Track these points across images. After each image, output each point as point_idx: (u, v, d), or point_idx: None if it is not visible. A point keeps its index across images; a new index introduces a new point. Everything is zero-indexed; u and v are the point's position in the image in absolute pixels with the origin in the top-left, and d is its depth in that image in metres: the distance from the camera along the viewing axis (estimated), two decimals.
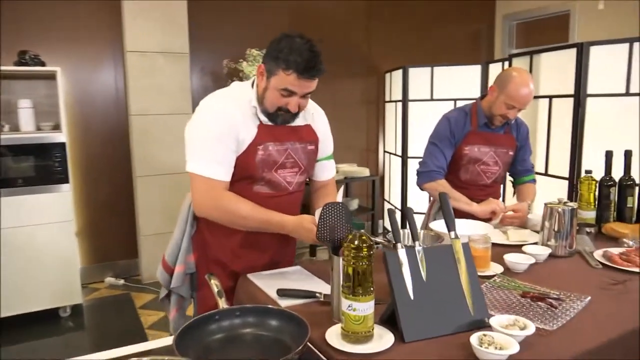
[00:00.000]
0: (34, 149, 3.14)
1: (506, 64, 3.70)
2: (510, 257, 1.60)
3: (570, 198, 3.04)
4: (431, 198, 2.42)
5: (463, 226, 1.88)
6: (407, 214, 1.28)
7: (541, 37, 5.19)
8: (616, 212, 2.04)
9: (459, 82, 4.26)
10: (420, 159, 2.31)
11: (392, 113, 4.82)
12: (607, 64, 2.91)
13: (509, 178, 2.52)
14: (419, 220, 2.40)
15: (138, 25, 3.68)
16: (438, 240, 1.70)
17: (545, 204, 1.79)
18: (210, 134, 1.51)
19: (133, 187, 3.91)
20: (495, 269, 1.57)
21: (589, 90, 2.97)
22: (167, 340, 1.13)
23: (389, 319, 1.15)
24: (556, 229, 1.73)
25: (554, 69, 3.17)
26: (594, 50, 2.93)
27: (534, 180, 2.42)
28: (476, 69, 4.21)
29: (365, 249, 1.03)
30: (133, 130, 3.78)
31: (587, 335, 1.14)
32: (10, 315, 3.15)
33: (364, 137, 5.15)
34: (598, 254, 1.72)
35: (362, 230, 1.07)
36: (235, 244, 1.66)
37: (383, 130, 5.16)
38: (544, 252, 1.68)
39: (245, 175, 1.59)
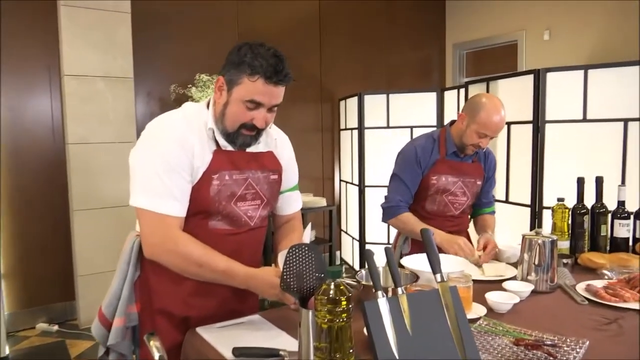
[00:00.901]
0: None
1: (462, 91, 3.68)
2: (493, 297, 1.46)
3: (533, 226, 2.99)
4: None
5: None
6: (387, 252, 1.11)
7: (491, 66, 5.29)
8: (590, 241, 1.95)
9: (415, 109, 4.22)
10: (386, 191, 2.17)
11: (347, 141, 4.71)
12: (564, 91, 2.91)
13: None
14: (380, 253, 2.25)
15: (77, 47, 3.41)
16: (414, 280, 1.54)
17: (524, 236, 1.67)
18: (162, 162, 1.30)
19: (70, 223, 3.56)
20: (478, 310, 1.42)
21: (548, 117, 2.95)
22: None
23: None
24: (536, 262, 1.60)
25: (511, 96, 3.16)
26: (550, 77, 2.93)
27: (493, 212, 2.33)
28: (431, 96, 4.18)
29: (344, 302, 0.84)
30: (70, 160, 3.45)
31: None
32: None
33: (319, 166, 5.00)
34: (581, 287, 1.61)
35: (341, 279, 0.89)
36: (187, 291, 1.42)
37: (339, 158, 5.04)
38: (526, 288, 1.55)
39: (199, 210, 1.38)
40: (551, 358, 1.10)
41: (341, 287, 0.86)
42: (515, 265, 1.84)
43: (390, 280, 1.57)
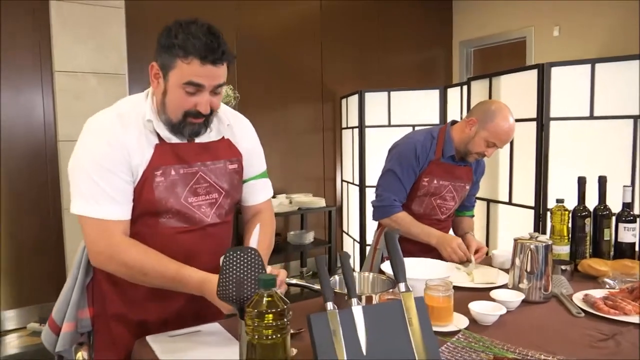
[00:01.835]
0: None
1: (465, 88, 3.53)
2: (476, 307, 1.32)
3: (537, 229, 2.83)
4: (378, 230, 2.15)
5: (418, 267, 1.60)
6: (342, 259, 0.98)
7: (498, 63, 5.11)
8: (592, 246, 1.80)
9: (417, 107, 4.07)
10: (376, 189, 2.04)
11: (349, 140, 4.58)
12: (569, 87, 2.75)
13: None
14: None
15: (68, 43, 3.33)
16: (391, 288, 1.41)
17: (515, 240, 1.52)
18: (93, 164, 1.20)
19: (62, 221, 3.48)
20: (459, 322, 1.28)
21: (552, 114, 2.80)
22: None
23: None
24: (528, 269, 1.46)
25: (515, 93, 3.00)
26: (555, 72, 2.77)
27: (472, 216, 2.22)
28: (434, 94, 4.04)
29: (272, 317, 0.72)
30: (62, 157, 3.37)
31: None
32: None
33: (320, 166, 4.88)
34: (578, 297, 1.46)
35: (275, 289, 0.76)
36: (142, 294, 1.31)
37: (340, 158, 4.91)
38: (516, 298, 1.41)
39: (146, 210, 1.26)
40: None
41: (272, 300, 0.74)
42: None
43: (370, 285, 1.46)
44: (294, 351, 1.06)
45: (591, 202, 1.80)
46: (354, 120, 4.38)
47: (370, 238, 4.27)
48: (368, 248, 4.28)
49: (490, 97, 3.18)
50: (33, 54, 3.47)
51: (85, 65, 3.39)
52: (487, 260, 1.92)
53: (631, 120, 2.58)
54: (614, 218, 1.79)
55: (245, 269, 0.92)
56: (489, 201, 3.28)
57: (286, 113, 4.58)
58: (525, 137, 2.92)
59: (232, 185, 1.38)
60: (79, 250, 1.37)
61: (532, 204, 2.90)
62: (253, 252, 0.94)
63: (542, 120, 2.81)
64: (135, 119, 1.25)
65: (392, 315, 0.92)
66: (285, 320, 0.74)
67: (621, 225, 1.77)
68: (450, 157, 1.95)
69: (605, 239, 1.78)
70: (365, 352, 0.86)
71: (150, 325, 1.33)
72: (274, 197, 4.29)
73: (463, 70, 5.37)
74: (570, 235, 1.79)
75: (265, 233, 1.43)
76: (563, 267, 1.66)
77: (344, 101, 4.69)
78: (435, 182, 1.94)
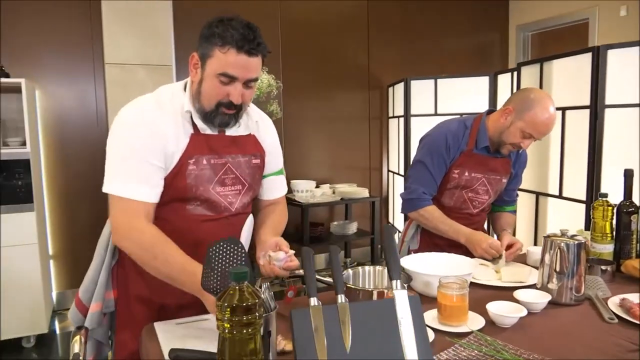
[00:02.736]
0: None
1: (515, 74, 3.34)
2: (494, 308, 1.24)
3: (587, 226, 2.63)
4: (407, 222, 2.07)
5: (440, 262, 1.52)
6: (331, 250, 0.94)
7: (558, 47, 4.80)
8: (639, 245, 1.65)
9: (466, 95, 3.91)
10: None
11: (395, 129, 4.48)
12: (627, 71, 2.52)
13: None
14: None
15: (118, 35, 3.45)
16: (407, 282, 1.35)
17: (545, 237, 1.42)
18: (129, 147, 1.25)
19: None
20: (474, 323, 1.21)
21: (607, 101, 2.58)
22: None
23: None
24: (558, 268, 1.35)
25: (568, 78, 2.80)
26: (612, 55, 2.55)
27: (514, 212, 2.07)
28: (483, 81, 3.85)
29: (241, 311, 0.69)
30: None
31: None
32: None
33: (366, 156, 4.81)
34: (614, 302, 1.34)
35: (247, 283, 0.74)
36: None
37: (387, 147, 4.82)
38: (541, 299, 1.31)
39: (176, 196, 1.31)
40: None
41: (245, 293, 0.71)
42: None
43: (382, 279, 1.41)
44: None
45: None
46: (400, 109, 4.27)
47: None
48: None
49: (541, 83, 2.98)
50: (86, 46, 3.63)
51: (133, 57, 3.50)
52: (522, 258, 1.81)
53: None
54: None
55: (230, 260, 0.90)
56: (537, 194, 3.09)
57: (332, 102, 4.54)
58: (578, 125, 2.72)
59: (254, 179, 1.43)
60: (104, 234, 1.43)
61: (584, 197, 2.70)
62: (236, 243, 0.92)
63: (597, 108, 2.60)
64: (174, 108, 1.30)
65: (383, 314, 0.87)
66: (257, 315, 0.71)
67: None
68: (484, 148, 1.84)
69: None
70: (349, 351, 0.82)
71: (169, 309, 1.37)
72: (317, 186, 4.29)
73: (519, 56, 5.09)
74: (614, 233, 1.65)
75: (280, 222, 1.50)
76: (603, 267, 1.53)
77: (390, 89, 4.59)
78: (466, 174, 1.84)
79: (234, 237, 0.93)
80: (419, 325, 0.87)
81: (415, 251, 1.90)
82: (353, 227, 4.35)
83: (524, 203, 3.23)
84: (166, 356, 1.04)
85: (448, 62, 4.92)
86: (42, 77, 3.51)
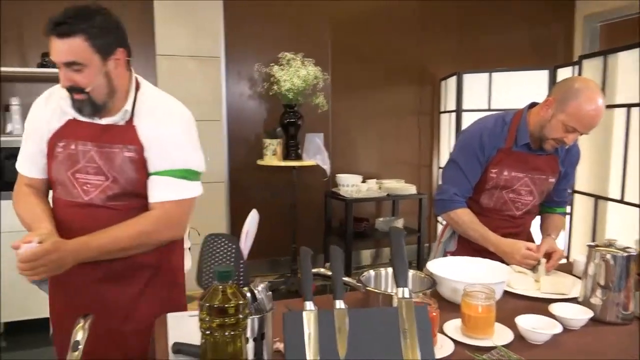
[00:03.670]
0: None
1: (576, 68, 3.10)
2: (524, 322, 1.13)
3: None
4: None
5: (471, 268, 1.42)
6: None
7: (630, 39, 4.43)
8: None
9: (523, 90, 3.68)
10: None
11: (446, 125, 4.32)
12: None
13: None
14: None
15: (169, 28, 3.53)
16: (430, 288, 1.27)
17: (589, 246, 1.28)
18: (25, 130, 1.42)
19: None
20: (501, 337, 1.11)
21: None
22: None
23: None
24: (602, 282, 1.22)
25: (634, 72, 2.56)
26: None
27: (564, 214, 1.89)
28: (542, 75, 3.62)
29: (223, 312, 0.65)
30: None
31: None
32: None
33: (416, 151, 4.67)
34: None
35: (231, 282, 0.70)
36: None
37: (438, 143, 4.65)
38: (580, 315, 1.19)
39: (51, 178, 1.40)
40: None
41: (228, 292, 0.67)
42: None
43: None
44: None
45: None
46: (452, 104, 4.11)
47: None
48: None
49: (604, 77, 2.75)
50: (138, 39, 3.72)
51: (183, 48, 3.57)
52: (568, 267, 1.66)
53: None
54: None
55: (224, 258, 0.86)
56: (596, 197, 2.87)
57: (381, 96, 4.43)
58: None
59: (122, 172, 1.32)
60: None
61: None
62: (232, 239, 0.88)
63: None
64: (58, 97, 1.35)
65: (385, 324, 0.80)
66: (239, 317, 0.67)
67: None
68: (525, 145, 1.70)
69: None
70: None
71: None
72: (363, 181, 4.21)
73: (585, 49, 4.75)
74: None
75: (122, 227, 1.30)
76: None
77: (442, 83, 4.42)
78: (505, 173, 1.70)
79: (227, 234, 0.89)
80: (424, 338, 0.80)
81: (452, 253, 1.79)
82: (399, 224, 4.24)
83: (581, 207, 3.01)
84: (170, 349, 1.03)
85: (504, 55, 4.66)
86: None
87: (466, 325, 1.12)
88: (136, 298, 1.37)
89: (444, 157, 4.45)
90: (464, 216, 1.71)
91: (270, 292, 0.83)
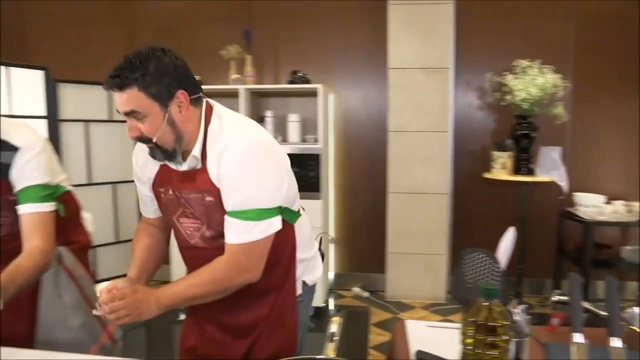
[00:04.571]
0: (295, 159, 3.46)
1: None
2: None
3: None
4: None
5: None
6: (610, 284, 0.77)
7: None
8: None
9: None
10: None
11: None
12: None
13: None
14: None
15: (401, 41, 3.66)
16: None
17: None
18: (134, 174, 1.45)
19: (385, 203, 3.90)
20: None
21: None
22: None
23: None
24: None
25: None
26: None
27: None
28: None
29: (489, 331, 0.64)
30: (390, 146, 3.77)
31: None
32: None
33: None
34: None
35: (497, 301, 0.68)
36: None
37: None
38: None
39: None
40: None
41: (491, 312, 0.65)
42: None
43: None
44: None
45: None
46: None
47: None
48: None
49: None
50: (371, 54, 3.96)
51: (414, 61, 3.66)
52: None
53: None
54: None
55: (483, 274, 0.84)
56: None
57: (632, 102, 3.79)
58: None
59: (210, 217, 1.29)
60: None
61: None
62: (493, 257, 0.85)
63: None
64: None
65: None
66: (503, 337, 0.65)
67: None
68: None
69: None
70: None
71: None
72: (607, 202, 3.67)
73: None
74: None
75: (199, 273, 1.28)
76: None
77: None
78: None
79: (487, 250, 0.86)
80: None
81: None
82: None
83: None
84: (412, 355, 1.06)
85: None
86: (335, 82, 4.00)
87: None
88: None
89: None
90: None
91: (530, 316, 0.79)
